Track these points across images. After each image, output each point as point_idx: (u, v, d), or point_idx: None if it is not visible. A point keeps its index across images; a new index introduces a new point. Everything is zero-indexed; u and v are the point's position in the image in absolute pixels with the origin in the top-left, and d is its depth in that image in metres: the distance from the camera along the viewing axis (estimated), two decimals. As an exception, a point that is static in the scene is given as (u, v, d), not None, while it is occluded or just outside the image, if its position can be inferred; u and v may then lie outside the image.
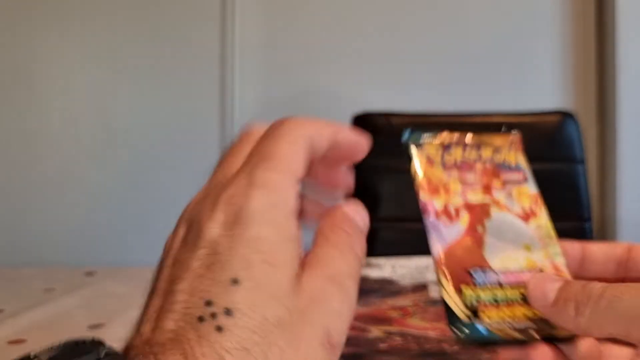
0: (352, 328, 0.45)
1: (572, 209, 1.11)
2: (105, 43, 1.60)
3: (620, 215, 1.44)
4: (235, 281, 0.23)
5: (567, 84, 1.55)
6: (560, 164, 1.13)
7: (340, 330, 0.24)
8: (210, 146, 1.59)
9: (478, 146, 0.34)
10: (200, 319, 0.22)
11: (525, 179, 0.34)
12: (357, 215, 0.28)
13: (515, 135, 0.35)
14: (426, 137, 0.33)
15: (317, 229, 0.27)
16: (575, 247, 0.32)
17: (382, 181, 1.13)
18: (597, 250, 0.32)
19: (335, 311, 0.24)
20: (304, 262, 0.25)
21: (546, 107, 1.22)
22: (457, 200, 0.32)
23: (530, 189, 0.34)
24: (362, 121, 1.19)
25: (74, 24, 1.61)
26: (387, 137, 1.16)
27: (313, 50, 1.58)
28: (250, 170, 0.25)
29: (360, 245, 0.27)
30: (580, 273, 0.32)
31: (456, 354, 0.40)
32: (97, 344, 0.23)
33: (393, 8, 1.57)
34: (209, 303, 0.22)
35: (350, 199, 0.29)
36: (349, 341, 0.44)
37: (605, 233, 1.48)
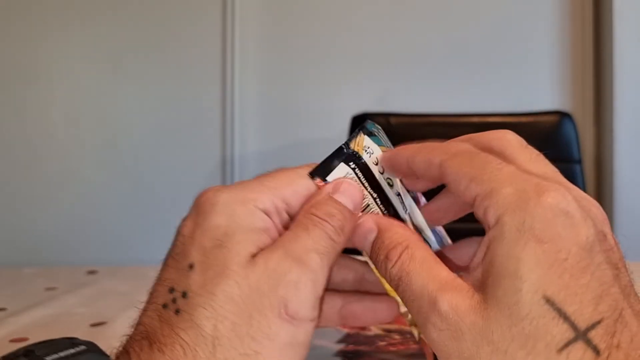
0: (352, 326, 0.46)
1: (570, 208, 1.11)
2: (107, 43, 1.61)
3: (617, 215, 1.44)
4: (191, 266, 0.24)
5: (565, 85, 1.55)
6: (557, 164, 1.11)
7: (298, 300, 0.24)
8: (211, 146, 1.59)
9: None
10: (164, 305, 0.24)
11: None
12: (344, 196, 0.27)
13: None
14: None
15: (298, 214, 0.27)
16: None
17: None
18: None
19: (291, 282, 0.24)
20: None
21: (543, 108, 1.23)
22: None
23: None
24: (362, 121, 1.19)
25: (76, 24, 1.61)
26: (387, 137, 1.17)
27: (313, 51, 1.58)
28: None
29: (336, 225, 0.26)
30: None
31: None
32: (71, 339, 0.24)
33: (392, 8, 1.57)
34: (171, 290, 0.24)
35: (344, 180, 0.28)
36: (348, 339, 0.44)
37: (603, 233, 1.49)
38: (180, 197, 1.64)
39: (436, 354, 0.24)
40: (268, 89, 1.60)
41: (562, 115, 1.17)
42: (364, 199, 0.29)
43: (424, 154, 0.27)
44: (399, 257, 0.25)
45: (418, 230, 0.30)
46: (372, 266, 0.28)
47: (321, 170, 0.29)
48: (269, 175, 0.27)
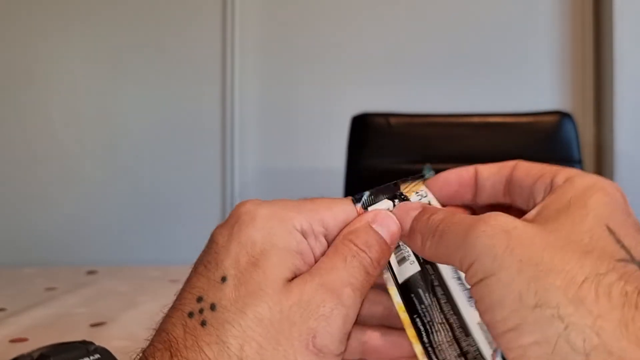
0: None
1: (570, 208, 1.11)
2: (107, 43, 1.61)
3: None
4: (223, 278, 0.24)
5: (565, 85, 1.55)
6: (557, 164, 1.13)
7: (327, 334, 0.24)
8: (211, 146, 1.59)
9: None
10: (190, 314, 0.24)
11: None
12: (382, 228, 0.27)
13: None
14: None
15: (335, 239, 0.27)
16: (470, 170, 0.30)
17: (380, 181, 1.14)
18: (486, 173, 0.29)
19: (323, 316, 0.24)
20: (307, 270, 0.26)
21: (543, 108, 1.23)
22: None
23: None
24: (362, 122, 1.19)
25: (76, 25, 1.61)
26: (386, 137, 1.17)
27: (313, 51, 1.58)
28: None
29: (373, 257, 0.26)
30: (476, 200, 0.30)
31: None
32: (86, 343, 0.24)
33: (392, 8, 1.57)
34: (199, 299, 0.24)
35: (382, 212, 0.28)
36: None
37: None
38: (179, 198, 1.64)
39: (478, 261, 0.22)
40: (268, 89, 1.60)
41: (562, 115, 1.17)
42: (400, 247, 0.28)
43: (495, 164, 0.29)
44: (444, 211, 0.26)
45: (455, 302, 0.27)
46: (394, 301, 0.27)
47: (365, 199, 0.29)
48: (309, 199, 0.28)
